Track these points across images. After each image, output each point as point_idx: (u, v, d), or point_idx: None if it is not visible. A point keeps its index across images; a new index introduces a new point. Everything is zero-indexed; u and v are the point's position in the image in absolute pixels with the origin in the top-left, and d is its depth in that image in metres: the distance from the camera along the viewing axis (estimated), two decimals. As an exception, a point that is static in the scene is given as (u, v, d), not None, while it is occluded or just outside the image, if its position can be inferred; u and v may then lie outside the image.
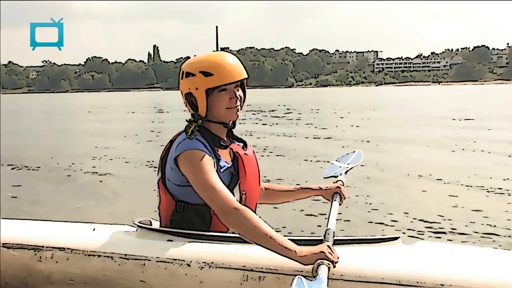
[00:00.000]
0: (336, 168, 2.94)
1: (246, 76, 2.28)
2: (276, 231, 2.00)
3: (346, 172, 2.89)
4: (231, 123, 2.33)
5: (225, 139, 2.33)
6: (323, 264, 1.87)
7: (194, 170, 2.13)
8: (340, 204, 2.53)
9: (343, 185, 2.67)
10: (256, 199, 2.39)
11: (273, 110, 27.42)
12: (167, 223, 2.30)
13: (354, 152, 3.15)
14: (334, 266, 1.90)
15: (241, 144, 2.38)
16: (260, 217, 2.03)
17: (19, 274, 2.30)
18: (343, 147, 10.67)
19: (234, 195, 2.18)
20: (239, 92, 2.28)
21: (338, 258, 1.93)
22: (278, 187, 2.70)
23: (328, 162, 3.10)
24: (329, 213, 2.34)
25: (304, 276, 1.81)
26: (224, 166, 2.26)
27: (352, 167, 2.97)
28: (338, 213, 2.43)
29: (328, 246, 1.94)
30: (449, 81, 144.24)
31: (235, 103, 2.25)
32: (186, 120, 2.30)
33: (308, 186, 2.69)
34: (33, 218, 2.96)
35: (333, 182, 2.71)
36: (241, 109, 2.32)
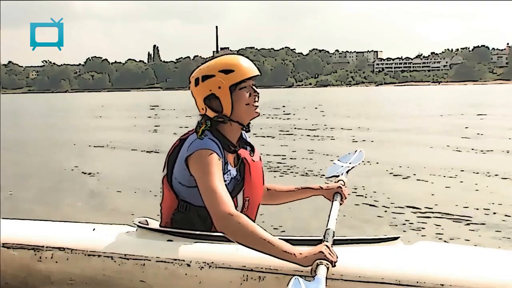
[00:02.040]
0: (338, 168, 2.95)
1: (259, 73, 2.33)
2: (274, 234, 2.00)
3: (347, 172, 2.90)
4: (246, 126, 2.34)
5: (235, 143, 2.33)
6: (322, 264, 1.87)
7: (202, 170, 2.13)
8: (341, 204, 2.52)
9: (344, 184, 2.67)
10: (258, 204, 2.39)
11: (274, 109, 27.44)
12: (167, 222, 2.30)
13: (355, 151, 3.16)
14: (333, 266, 1.90)
15: (249, 150, 2.38)
16: (262, 221, 2.02)
17: (19, 274, 2.30)
18: (343, 146, 10.67)
19: (237, 201, 2.20)
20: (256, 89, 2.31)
21: (337, 258, 1.92)
22: (280, 188, 2.70)
23: (330, 160, 3.10)
24: (330, 213, 2.34)
25: (304, 276, 1.81)
26: (230, 171, 2.26)
27: (353, 167, 2.97)
28: (338, 213, 2.42)
29: (327, 246, 1.94)
30: (449, 81, 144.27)
31: (254, 99, 2.29)
32: (200, 115, 2.31)
33: (308, 185, 2.69)
34: (33, 218, 2.96)
35: (334, 182, 2.71)
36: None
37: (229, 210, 2.01)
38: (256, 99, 2.30)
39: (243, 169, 2.29)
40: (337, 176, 2.81)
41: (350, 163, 3.00)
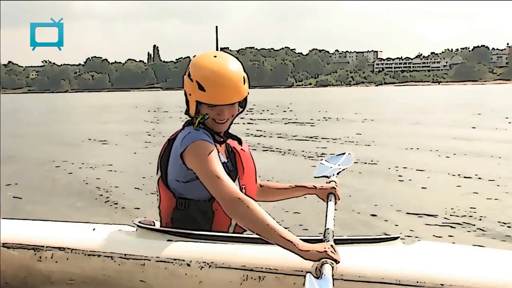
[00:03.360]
0: (327, 169, 2.95)
1: (241, 98, 2.24)
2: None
3: (337, 174, 2.91)
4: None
5: (222, 134, 2.34)
6: (327, 263, 1.87)
7: (202, 159, 2.13)
8: (335, 204, 2.53)
9: (336, 185, 2.68)
10: (254, 194, 2.40)
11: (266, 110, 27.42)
12: (168, 222, 2.31)
13: (343, 154, 3.16)
14: (337, 265, 1.90)
15: (237, 142, 2.40)
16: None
17: (19, 274, 2.30)
18: (341, 145, 10.67)
19: None
20: (231, 110, 2.25)
21: (340, 257, 1.92)
22: (274, 185, 2.71)
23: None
24: (326, 213, 2.34)
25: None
26: (222, 160, 2.27)
27: (343, 169, 2.99)
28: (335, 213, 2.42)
29: (331, 245, 1.94)
30: (449, 81, 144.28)
31: (222, 119, 2.25)
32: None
33: (303, 184, 2.69)
34: (33, 218, 2.96)
35: (326, 182, 2.72)
36: (233, 120, 2.32)
37: (238, 195, 2.03)
38: (224, 119, 2.25)
39: (234, 158, 2.32)
40: (328, 177, 2.82)
41: (339, 165, 3.00)
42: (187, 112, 2.31)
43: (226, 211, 2.05)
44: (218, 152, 2.25)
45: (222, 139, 2.32)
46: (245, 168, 2.32)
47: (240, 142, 2.41)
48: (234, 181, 2.25)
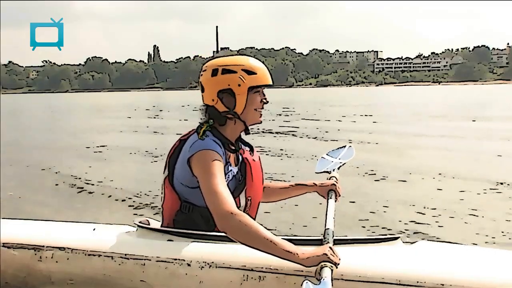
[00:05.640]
0: (328, 163, 2.94)
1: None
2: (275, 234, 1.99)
3: (338, 168, 2.89)
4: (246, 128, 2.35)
5: (234, 143, 2.33)
6: (326, 266, 1.85)
7: (204, 170, 2.12)
8: (335, 201, 2.52)
9: (336, 181, 2.67)
10: (258, 203, 2.40)
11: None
12: (169, 222, 2.30)
13: (344, 146, 3.14)
14: (336, 268, 1.89)
15: (248, 149, 2.39)
16: (262, 225, 2.01)
17: (19, 274, 2.30)
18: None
19: (240, 201, 2.20)
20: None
21: (339, 259, 1.92)
22: (274, 185, 2.71)
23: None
24: (326, 212, 2.33)
25: (307, 277, 1.81)
26: (231, 171, 2.27)
27: (344, 163, 2.97)
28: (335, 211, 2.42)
29: (330, 247, 1.93)
30: (449, 81, 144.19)
31: (262, 106, 2.32)
32: (203, 106, 2.32)
33: (302, 182, 2.68)
34: (33, 218, 2.96)
35: (327, 179, 2.70)
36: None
37: (230, 209, 2.00)
38: (263, 107, 2.33)
39: (244, 168, 2.30)
40: (329, 173, 2.80)
41: (340, 158, 2.99)
42: (208, 121, 2.28)
43: (218, 225, 2.03)
44: (229, 162, 2.26)
45: (235, 149, 2.31)
46: (254, 179, 2.31)
47: (251, 149, 2.40)
48: (241, 191, 2.26)
